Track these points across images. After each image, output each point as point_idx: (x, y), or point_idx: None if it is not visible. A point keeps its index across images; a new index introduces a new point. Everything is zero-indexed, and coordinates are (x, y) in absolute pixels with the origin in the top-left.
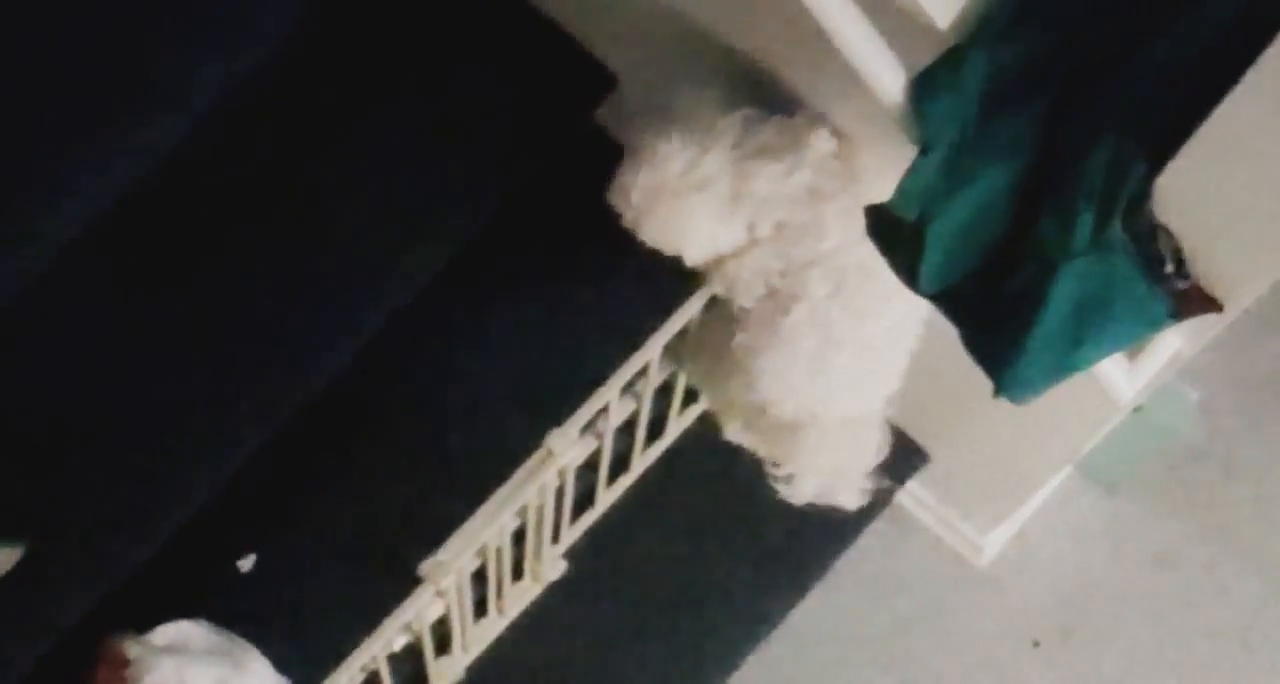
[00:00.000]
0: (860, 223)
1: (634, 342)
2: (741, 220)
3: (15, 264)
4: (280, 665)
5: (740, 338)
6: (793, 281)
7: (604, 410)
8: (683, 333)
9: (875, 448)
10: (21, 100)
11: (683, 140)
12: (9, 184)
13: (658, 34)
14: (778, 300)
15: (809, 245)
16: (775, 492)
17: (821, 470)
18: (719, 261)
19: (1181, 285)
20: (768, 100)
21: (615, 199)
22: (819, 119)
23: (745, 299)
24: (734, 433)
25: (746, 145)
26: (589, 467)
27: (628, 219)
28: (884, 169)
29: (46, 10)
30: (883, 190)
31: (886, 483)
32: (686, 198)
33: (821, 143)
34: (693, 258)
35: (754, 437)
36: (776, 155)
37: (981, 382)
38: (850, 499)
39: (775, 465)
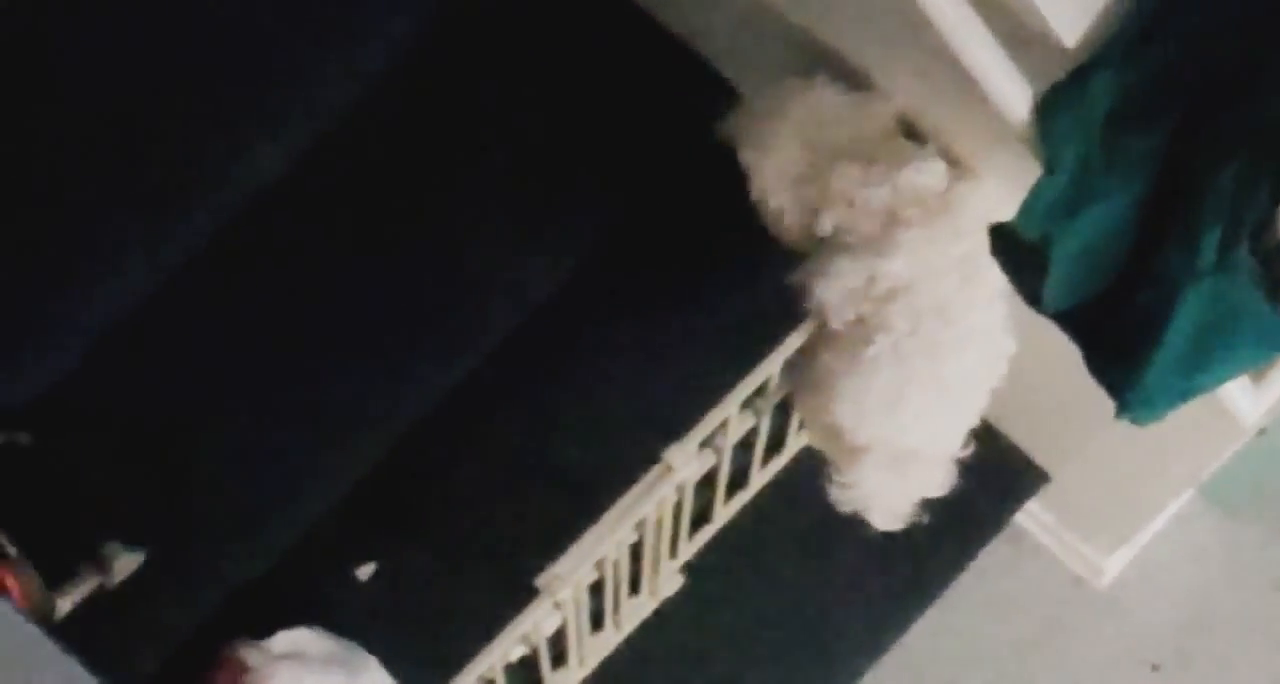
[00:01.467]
0: (939, 261)
1: (754, 357)
2: (807, 199)
3: (146, 271)
4: (397, 674)
5: (825, 358)
6: (876, 313)
7: (723, 426)
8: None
9: (936, 484)
10: (155, 100)
11: (830, 102)
12: (147, 178)
13: (779, 53)
14: (863, 329)
15: (878, 265)
16: None
17: (874, 490)
18: (804, 241)
19: None
20: None
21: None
22: (943, 156)
23: (835, 321)
24: (816, 441)
25: (864, 144)
26: (707, 481)
27: (742, 110)
28: (986, 209)
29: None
30: (975, 230)
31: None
32: (779, 134)
33: (922, 177)
34: (755, 187)
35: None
36: (869, 164)
37: (1104, 402)
38: (883, 521)
39: (837, 471)
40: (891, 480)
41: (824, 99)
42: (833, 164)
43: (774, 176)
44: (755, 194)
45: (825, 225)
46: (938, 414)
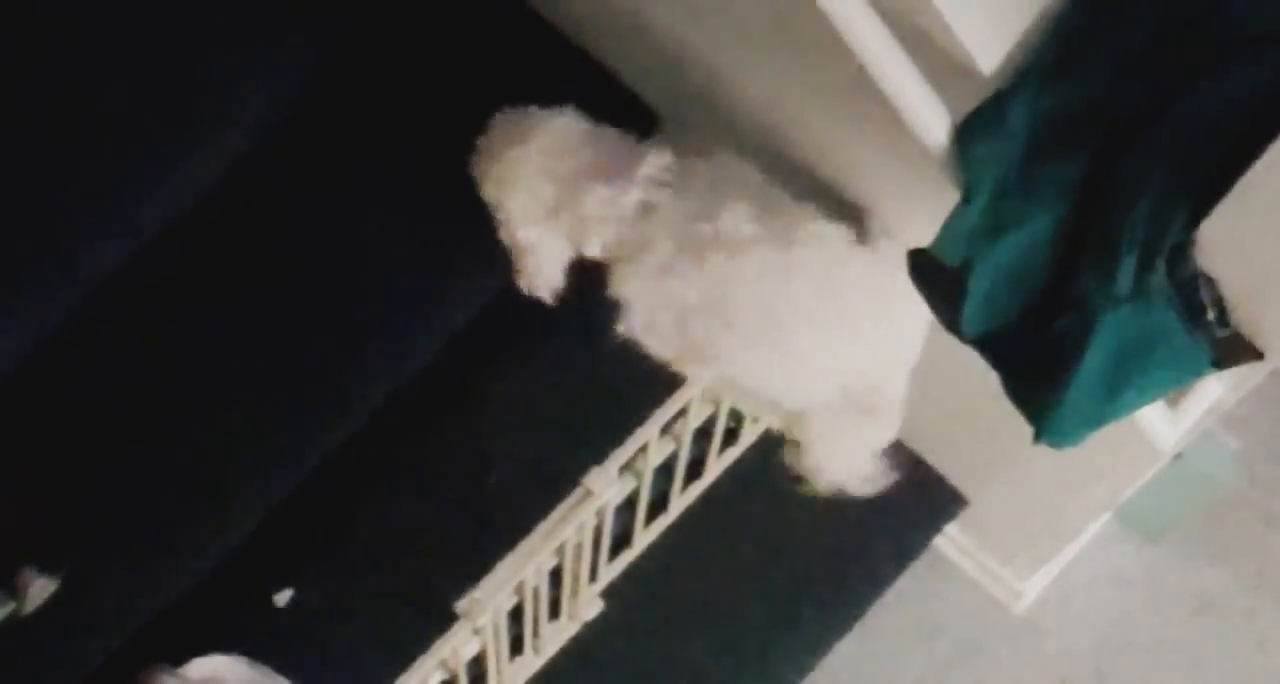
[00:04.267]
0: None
1: (673, 383)
2: (563, 230)
3: (59, 294)
4: None
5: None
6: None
7: (643, 450)
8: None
9: (887, 432)
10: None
11: (573, 132)
12: (59, 208)
13: (698, 80)
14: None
15: (647, 260)
16: (813, 535)
17: (832, 449)
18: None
19: (1223, 333)
20: (798, 144)
21: (495, 126)
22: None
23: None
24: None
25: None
26: (627, 506)
27: (481, 144)
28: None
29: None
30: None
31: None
32: (527, 165)
33: (661, 160)
34: (511, 219)
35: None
36: (606, 176)
37: (1021, 427)
38: (859, 486)
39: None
40: (844, 436)
41: (570, 127)
42: (575, 189)
43: (520, 213)
44: (506, 230)
45: (593, 248)
46: (832, 356)
